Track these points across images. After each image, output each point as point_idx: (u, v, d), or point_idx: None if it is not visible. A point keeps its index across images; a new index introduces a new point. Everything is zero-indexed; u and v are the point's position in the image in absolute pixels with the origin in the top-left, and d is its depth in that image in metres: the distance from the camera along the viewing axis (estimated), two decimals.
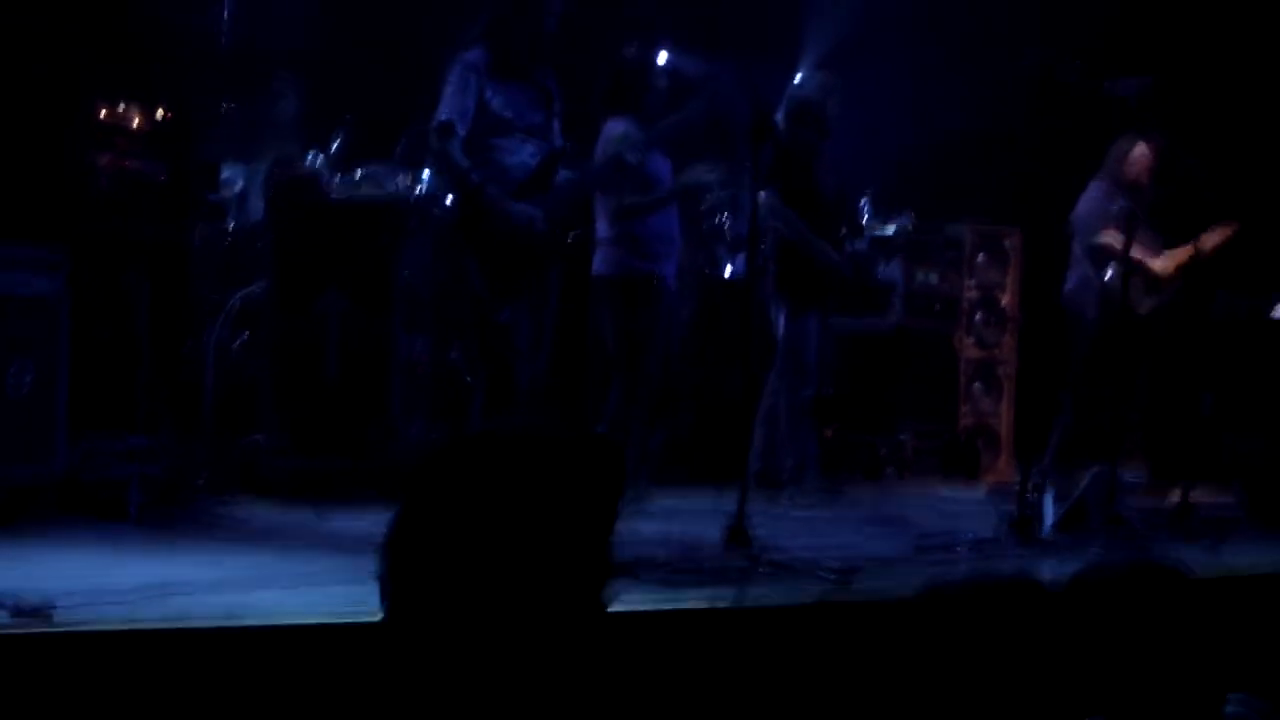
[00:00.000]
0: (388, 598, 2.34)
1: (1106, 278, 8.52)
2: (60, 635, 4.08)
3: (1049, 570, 5.85)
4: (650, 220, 7.51)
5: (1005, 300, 10.32)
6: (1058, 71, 7.21)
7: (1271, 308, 9.46)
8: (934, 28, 10.39)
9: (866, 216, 10.26)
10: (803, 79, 8.63)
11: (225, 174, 8.41)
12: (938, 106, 10.14)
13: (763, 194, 8.10)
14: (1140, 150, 8.77)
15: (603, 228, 7.59)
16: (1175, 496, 7.52)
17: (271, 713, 4.06)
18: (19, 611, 4.16)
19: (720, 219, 9.49)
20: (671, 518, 7.33)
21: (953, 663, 2.65)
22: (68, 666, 3.95)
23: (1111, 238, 8.37)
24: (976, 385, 10.27)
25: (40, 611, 4.17)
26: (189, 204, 7.88)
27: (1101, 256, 8.49)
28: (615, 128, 7.52)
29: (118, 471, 6.92)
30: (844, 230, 8.68)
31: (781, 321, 8.39)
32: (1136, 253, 8.54)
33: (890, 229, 10.06)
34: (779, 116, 8.32)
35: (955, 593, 2.77)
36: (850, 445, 9.88)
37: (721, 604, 4.95)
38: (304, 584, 5.19)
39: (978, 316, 10.21)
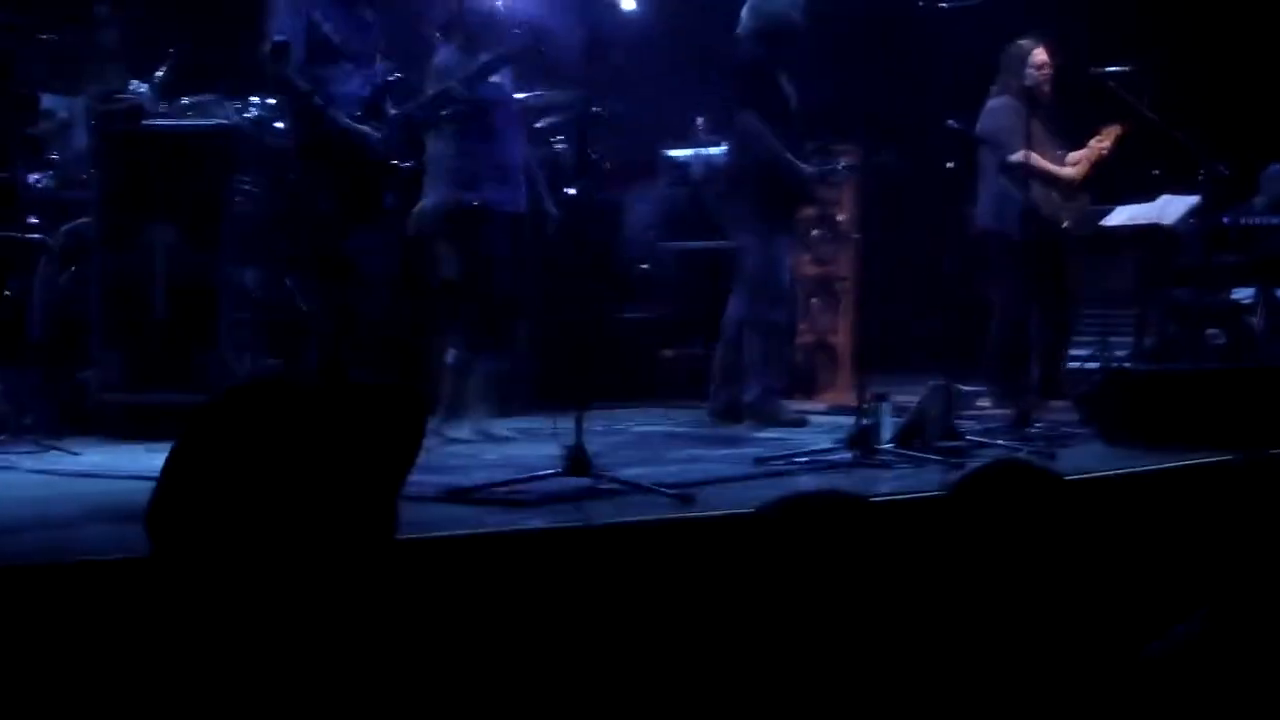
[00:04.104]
0: (156, 535, 2.32)
1: (1030, 190, 8.59)
2: None
3: (886, 484, 5.92)
4: (480, 150, 7.43)
5: (842, 216, 10.33)
6: None
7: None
8: None
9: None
10: None
11: (46, 105, 8.22)
12: None
13: (741, 116, 8.14)
14: (1039, 56, 8.80)
15: (433, 160, 7.53)
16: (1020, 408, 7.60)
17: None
18: None
19: (556, 143, 9.42)
20: (512, 443, 7.36)
21: (805, 576, 2.65)
22: None
23: (1021, 156, 8.42)
24: (815, 302, 10.30)
25: None
26: (9, 138, 7.72)
27: (1019, 173, 8.53)
28: (444, 59, 7.45)
29: None
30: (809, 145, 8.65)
31: (753, 244, 8.32)
32: (1048, 164, 8.66)
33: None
34: (745, 32, 8.29)
35: (786, 509, 2.77)
36: (690, 365, 9.93)
37: (564, 525, 4.93)
38: (132, 520, 5.10)
39: (815, 233, 10.21)
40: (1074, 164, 8.88)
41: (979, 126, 8.74)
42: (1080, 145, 8.92)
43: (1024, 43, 8.85)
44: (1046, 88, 8.84)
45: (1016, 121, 8.48)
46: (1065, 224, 8.95)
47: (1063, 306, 9.25)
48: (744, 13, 8.37)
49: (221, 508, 2.25)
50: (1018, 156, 8.46)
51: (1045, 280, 8.80)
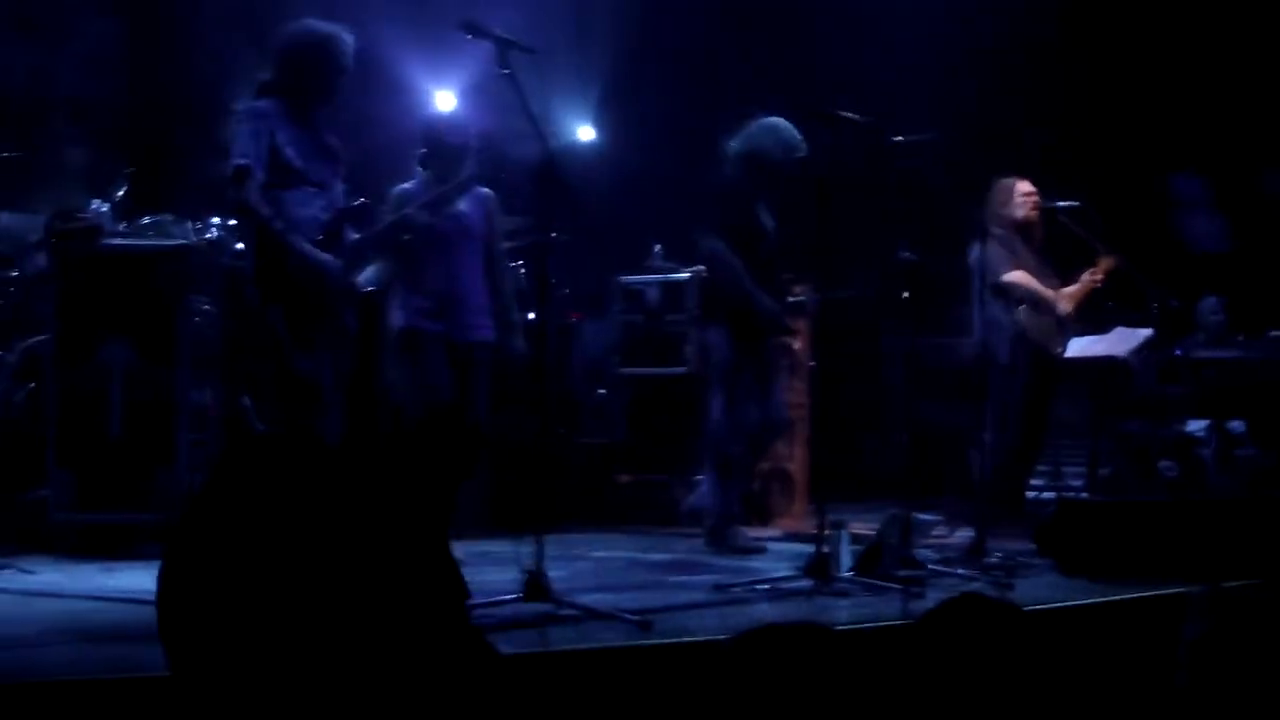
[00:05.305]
0: (171, 652, 2.26)
1: (1019, 316, 8.76)
2: None
3: (845, 612, 5.91)
4: (438, 278, 7.38)
5: (798, 346, 10.37)
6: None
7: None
8: None
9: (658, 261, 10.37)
10: (761, 127, 8.29)
11: (5, 223, 8.22)
12: None
13: (710, 242, 8.11)
14: (1025, 187, 9.02)
15: (390, 286, 7.51)
16: (969, 534, 7.60)
17: None
18: None
19: (519, 267, 9.42)
20: (467, 567, 7.28)
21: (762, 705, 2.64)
22: None
23: (1017, 276, 8.64)
24: None
25: None
26: None
27: (1009, 295, 8.73)
28: (406, 187, 7.45)
29: None
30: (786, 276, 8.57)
31: (719, 372, 8.25)
32: (1040, 286, 8.84)
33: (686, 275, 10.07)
34: (732, 155, 8.29)
35: (756, 639, 2.77)
36: (646, 490, 9.95)
37: (523, 650, 4.90)
38: (90, 640, 5.08)
39: None
40: (1067, 297, 9.04)
41: (970, 257, 8.77)
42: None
43: (1008, 179, 9.09)
44: (1035, 217, 9.04)
45: (1007, 250, 8.73)
46: (1058, 350, 9.10)
47: (1040, 436, 9.31)
48: (736, 138, 8.35)
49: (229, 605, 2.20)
50: (1011, 277, 8.70)
51: (1030, 407, 8.93)
